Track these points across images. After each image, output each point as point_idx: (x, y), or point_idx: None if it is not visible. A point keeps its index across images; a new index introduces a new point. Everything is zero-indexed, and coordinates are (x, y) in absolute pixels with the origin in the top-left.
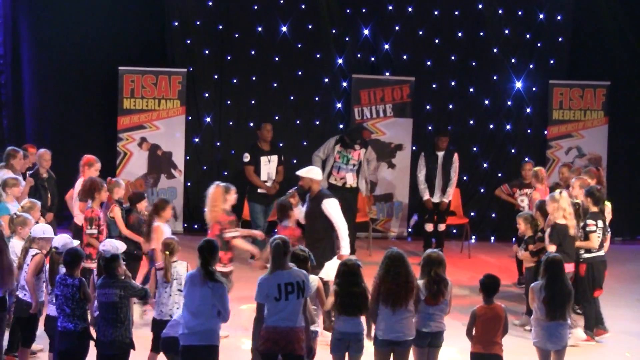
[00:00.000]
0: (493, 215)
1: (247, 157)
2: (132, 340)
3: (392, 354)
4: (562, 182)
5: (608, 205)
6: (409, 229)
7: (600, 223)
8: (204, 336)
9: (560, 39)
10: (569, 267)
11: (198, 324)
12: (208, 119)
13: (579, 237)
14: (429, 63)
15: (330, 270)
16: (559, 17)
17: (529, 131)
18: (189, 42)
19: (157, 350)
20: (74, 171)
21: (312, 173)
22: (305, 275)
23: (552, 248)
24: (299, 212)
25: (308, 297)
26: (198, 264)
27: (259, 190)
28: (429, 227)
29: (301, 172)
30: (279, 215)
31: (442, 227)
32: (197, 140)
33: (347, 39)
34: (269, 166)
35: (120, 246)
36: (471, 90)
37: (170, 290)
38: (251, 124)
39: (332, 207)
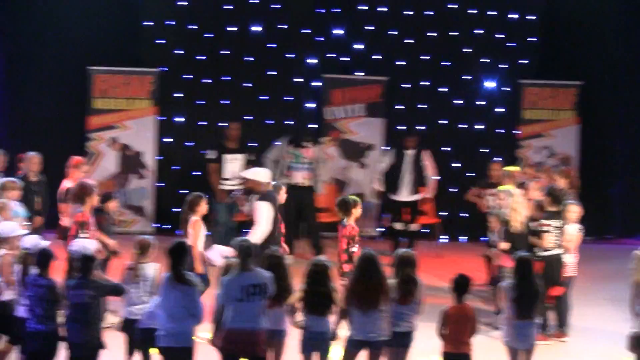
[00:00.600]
0: (464, 215)
1: (211, 154)
2: (102, 340)
3: (366, 354)
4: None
5: (574, 205)
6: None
7: (556, 222)
8: (179, 338)
9: (531, 39)
10: None
11: (172, 326)
12: (180, 119)
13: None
14: (401, 63)
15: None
16: (530, 18)
17: (500, 131)
18: (160, 42)
19: (132, 353)
20: (43, 171)
21: (257, 175)
22: (269, 277)
23: (504, 245)
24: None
25: None
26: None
27: (220, 187)
28: (398, 226)
29: (246, 174)
30: (340, 214)
31: (414, 226)
32: (168, 140)
33: (319, 39)
34: (234, 164)
35: (90, 246)
36: (443, 90)
37: (139, 291)
38: (223, 124)
39: (258, 209)
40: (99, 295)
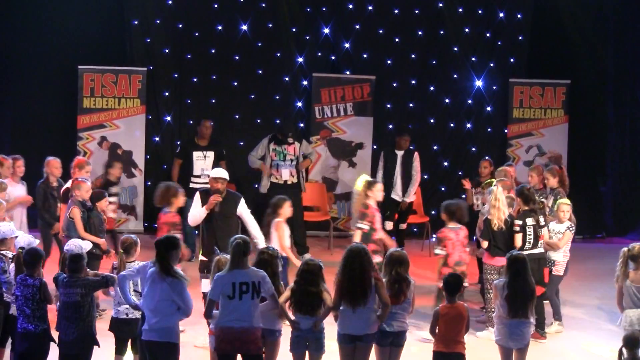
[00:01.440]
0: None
1: (177, 150)
2: (95, 337)
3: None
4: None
5: (566, 204)
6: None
7: (530, 221)
8: (162, 333)
9: (520, 38)
10: (502, 261)
11: (157, 321)
12: (168, 118)
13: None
14: (389, 62)
15: None
16: (518, 16)
17: (489, 130)
18: (148, 40)
19: (121, 352)
20: (34, 170)
21: (225, 175)
22: (262, 276)
23: (484, 244)
24: (191, 214)
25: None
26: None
27: (191, 185)
28: (389, 225)
29: (224, 174)
30: (446, 218)
31: (403, 226)
32: (157, 139)
33: (307, 37)
34: (204, 162)
35: (85, 245)
36: (431, 88)
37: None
38: (211, 123)
39: (245, 207)
40: (89, 293)
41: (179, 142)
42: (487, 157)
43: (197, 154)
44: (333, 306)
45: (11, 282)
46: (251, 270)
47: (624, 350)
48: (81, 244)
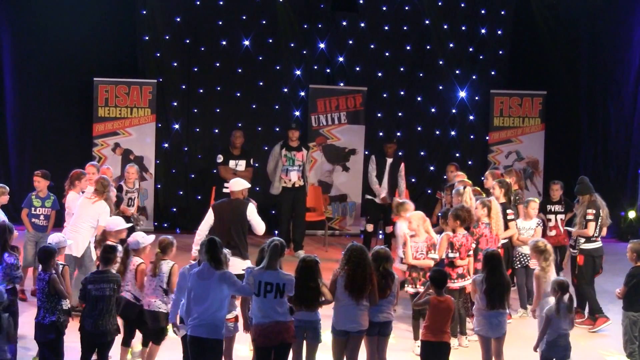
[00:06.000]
0: (439, 214)
1: (220, 158)
2: (118, 325)
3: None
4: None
5: (535, 202)
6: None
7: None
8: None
9: (500, 52)
10: None
11: (205, 317)
12: (176, 126)
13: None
14: (380, 74)
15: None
16: (499, 32)
17: (471, 137)
18: (158, 55)
19: (146, 345)
20: (54, 173)
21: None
22: (289, 280)
23: None
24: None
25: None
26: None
27: (224, 190)
28: (370, 227)
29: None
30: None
31: (388, 229)
32: (166, 145)
33: (304, 52)
34: (236, 170)
35: (144, 240)
36: (419, 99)
37: (156, 285)
38: (216, 131)
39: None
40: (118, 288)
41: (218, 154)
42: (453, 163)
43: (232, 163)
44: (333, 299)
45: (22, 277)
46: (279, 272)
47: (559, 295)
48: (140, 239)
